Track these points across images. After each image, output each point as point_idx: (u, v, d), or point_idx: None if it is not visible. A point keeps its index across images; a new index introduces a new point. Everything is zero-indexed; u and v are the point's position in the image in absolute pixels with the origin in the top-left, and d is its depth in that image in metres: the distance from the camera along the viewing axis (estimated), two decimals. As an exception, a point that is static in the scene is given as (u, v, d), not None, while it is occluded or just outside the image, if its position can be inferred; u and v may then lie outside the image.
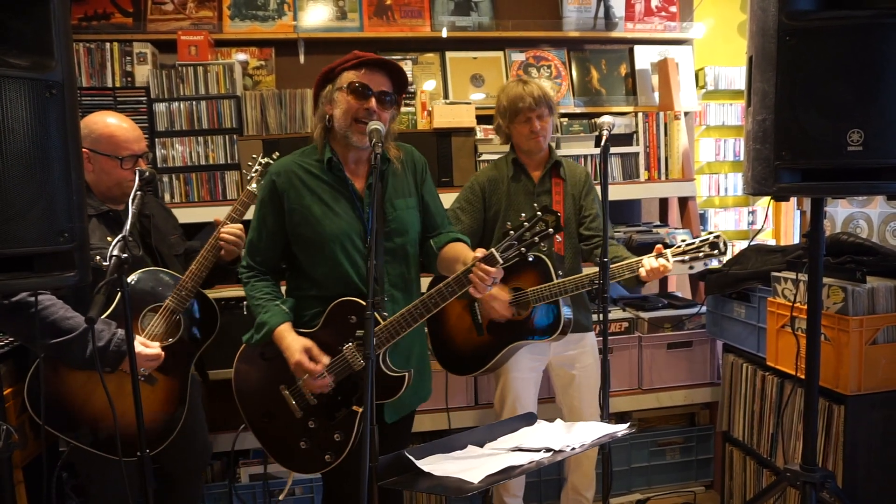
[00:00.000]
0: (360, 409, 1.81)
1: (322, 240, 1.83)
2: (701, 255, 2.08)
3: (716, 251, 2.06)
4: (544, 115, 2.32)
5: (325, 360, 1.81)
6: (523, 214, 1.66)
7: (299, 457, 1.89)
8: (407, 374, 1.82)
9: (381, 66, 1.82)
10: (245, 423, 1.97)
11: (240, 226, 2.05)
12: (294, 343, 1.81)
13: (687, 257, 2.09)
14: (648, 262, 2.11)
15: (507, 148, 2.49)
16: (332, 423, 1.84)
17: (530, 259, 1.69)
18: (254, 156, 2.16)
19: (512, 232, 1.66)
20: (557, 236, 2.35)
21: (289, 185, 1.86)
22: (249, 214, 2.01)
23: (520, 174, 2.41)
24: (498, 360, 2.36)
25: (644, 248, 2.96)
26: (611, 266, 2.14)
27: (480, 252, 1.70)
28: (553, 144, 2.44)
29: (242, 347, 1.96)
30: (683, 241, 2.14)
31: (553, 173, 2.41)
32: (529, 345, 2.36)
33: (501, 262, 1.67)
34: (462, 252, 1.89)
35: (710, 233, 2.09)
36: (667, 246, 2.14)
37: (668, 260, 2.10)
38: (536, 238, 1.63)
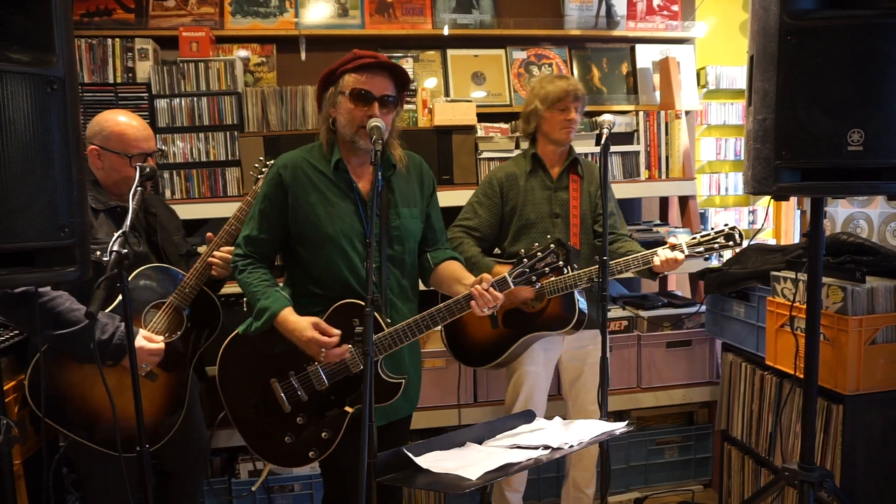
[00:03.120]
0: (352, 411, 1.82)
1: (323, 239, 1.83)
2: (716, 246, 2.11)
3: (731, 242, 2.09)
4: (580, 109, 2.37)
5: (336, 332, 1.78)
6: (536, 244, 1.77)
7: (282, 451, 1.89)
8: (403, 380, 1.83)
9: (382, 68, 1.81)
10: (227, 413, 1.96)
11: (232, 249, 2.00)
12: (301, 321, 1.79)
13: (702, 248, 2.12)
14: (663, 252, 2.15)
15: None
16: (321, 421, 1.85)
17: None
18: (261, 158, 2.16)
19: (525, 259, 1.74)
20: (573, 230, 2.39)
21: (294, 179, 1.85)
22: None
23: (537, 169, 2.42)
24: (512, 353, 2.37)
25: (645, 247, 2.96)
26: (624, 258, 2.22)
27: (487, 281, 1.75)
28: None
29: (230, 338, 1.94)
30: (699, 232, 2.17)
31: (571, 170, 2.43)
32: (543, 338, 2.37)
33: (512, 286, 1.76)
34: (460, 273, 1.93)
35: (727, 225, 2.12)
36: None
37: (682, 251, 2.13)
38: (547, 269, 1.73)
